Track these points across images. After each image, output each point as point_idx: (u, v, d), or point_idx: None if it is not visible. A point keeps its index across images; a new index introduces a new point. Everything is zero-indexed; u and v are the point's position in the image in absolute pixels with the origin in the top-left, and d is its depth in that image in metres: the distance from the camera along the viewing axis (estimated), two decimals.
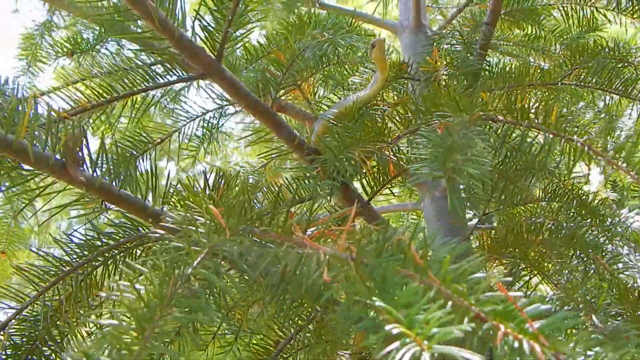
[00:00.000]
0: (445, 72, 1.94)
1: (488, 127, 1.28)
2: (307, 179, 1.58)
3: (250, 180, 2.45)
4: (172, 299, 0.79)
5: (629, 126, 2.51)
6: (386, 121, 1.64)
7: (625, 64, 1.95)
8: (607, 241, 1.85)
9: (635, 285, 1.74)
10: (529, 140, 1.23)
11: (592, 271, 1.77)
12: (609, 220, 1.94)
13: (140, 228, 1.36)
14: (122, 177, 1.24)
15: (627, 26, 2.29)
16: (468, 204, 1.93)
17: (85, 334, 1.43)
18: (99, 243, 1.35)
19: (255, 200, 1.13)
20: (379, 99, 1.83)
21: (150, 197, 1.28)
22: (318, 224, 0.96)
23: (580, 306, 1.42)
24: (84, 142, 1.18)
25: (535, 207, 2.00)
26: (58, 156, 1.15)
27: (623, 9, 2.20)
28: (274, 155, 2.00)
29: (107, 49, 1.93)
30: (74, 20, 2.46)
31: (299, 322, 1.50)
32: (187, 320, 0.80)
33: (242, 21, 1.45)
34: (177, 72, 1.55)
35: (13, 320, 1.37)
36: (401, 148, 1.67)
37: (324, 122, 1.70)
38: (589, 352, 0.70)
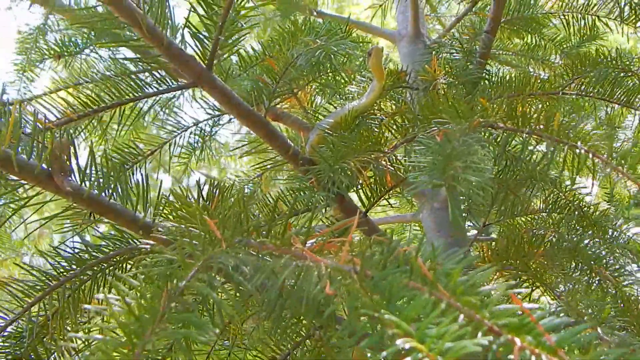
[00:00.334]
0: (444, 81, 1.90)
1: (488, 134, 1.24)
2: (301, 191, 1.54)
3: (246, 191, 2.42)
4: (165, 314, 0.75)
5: (629, 135, 2.48)
6: (383, 130, 1.60)
7: (628, 74, 1.90)
8: (609, 253, 1.80)
9: None
10: (530, 148, 1.19)
11: (595, 284, 1.73)
12: (610, 231, 1.90)
13: (130, 241, 1.32)
14: (111, 188, 1.20)
15: (628, 36, 2.25)
16: (468, 214, 1.89)
17: (72, 351, 1.38)
18: (87, 256, 1.31)
19: (251, 211, 1.09)
20: (376, 108, 1.79)
21: (141, 209, 1.24)
22: (318, 235, 0.91)
23: (585, 318, 1.38)
24: (72, 150, 1.14)
25: (535, 218, 1.96)
26: (45, 165, 1.11)
27: (625, 18, 2.16)
28: (268, 167, 1.95)
29: (97, 52, 1.89)
30: (67, 25, 2.42)
31: (296, 338, 1.45)
32: (181, 336, 0.75)
33: (234, 28, 1.41)
34: (167, 81, 1.50)
35: None
36: (398, 158, 1.63)
37: (319, 132, 1.66)
38: None
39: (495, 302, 0.69)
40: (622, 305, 1.61)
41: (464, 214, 1.82)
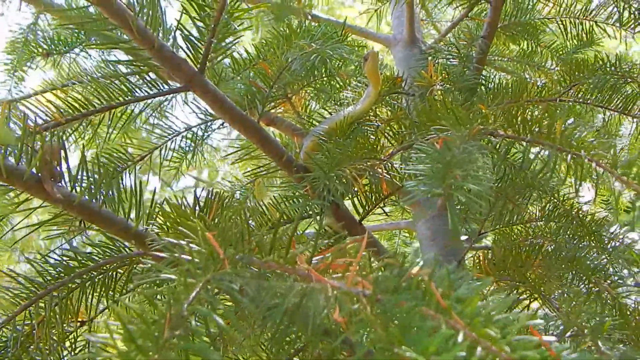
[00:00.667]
0: (440, 87, 1.87)
1: (488, 142, 1.20)
2: (295, 198, 1.50)
3: (237, 196, 2.38)
4: (167, 341, 0.70)
5: (625, 143, 2.46)
6: (379, 137, 1.57)
7: (628, 80, 1.88)
8: (608, 264, 1.77)
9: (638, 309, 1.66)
10: (530, 156, 1.15)
11: (593, 295, 1.69)
12: (607, 240, 1.88)
13: (121, 249, 1.28)
14: (103, 195, 1.16)
15: (626, 41, 2.23)
16: (464, 223, 1.86)
17: None
18: (75, 264, 1.27)
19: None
20: (371, 114, 1.76)
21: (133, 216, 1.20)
22: (324, 253, 0.87)
23: (585, 331, 1.34)
24: (62, 155, 1.10)
25: (532, 226, 1.93)
26: (34, 171, 1.08)
27: (624, 23, 2.14)
28: (263, 172, 1.90)
29: (86, 52, 1.85)
30: (57, 24, 2.38)
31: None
32: None
33: (227, 31, 1.37)
34: (158, 85, 1.46)
35: None
36: (394, 165, 1.60)
37: (313, 139, 1.63)
38: None
39: (514, 334, 0.66)
40: (617, 315, 1.58)
41: (461, 223, 1.79)
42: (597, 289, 1.69)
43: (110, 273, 1.30)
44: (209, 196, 1.12)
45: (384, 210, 1.71)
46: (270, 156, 1.60)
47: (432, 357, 0.62)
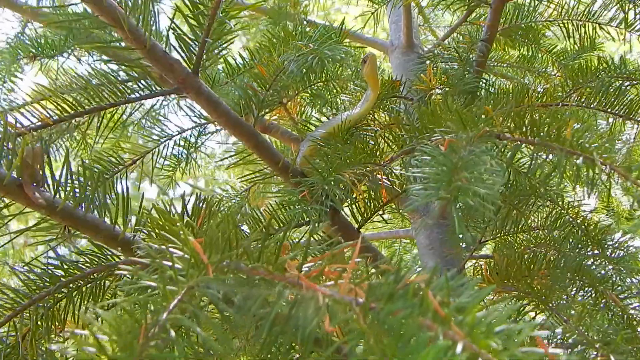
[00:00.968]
0: (439, 92, 1.83)
1: (494, 145, 1.15)
2: (292, 205, 1.45)
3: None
4: (143, 352, 0.65)
5: (627, 146, 2.42)
6: (378, 142, 1.52)
7: (634, 83, 1.83)
8: (614, 274, 1.72)
9: None
10: (539, 160, 1.10)
11: (601, 306, 1.64)
12: (611, 249, 1.83)
13: (110, 257, 1.23)
14: (88, 200, 1.10)
15: (630, 44, 2.18)
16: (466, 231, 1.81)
17: None
18: (62, 273, 1.21)
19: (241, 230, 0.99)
20: (370, 119, 1.71)
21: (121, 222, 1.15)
22: (315, 260, 0.82)
23: (597, 345, 1.29)
24: (45, 159, 1.05)
25: (535, 235, 1.88)
26: (15, 174, 1.02)
27: (630, 24, 2.09)
28: (261, 178, 1.84)
29: (75, 55, 1.79)
30: (44, 30, 2.32)
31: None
32: None
33: (222, 30, 1.32)
34: (150, 86, 1.41)
35: None
36: (394, 171, 1.55)
37: (310, 144, 1.58)
38: None
39: (517, 345, 0.61)
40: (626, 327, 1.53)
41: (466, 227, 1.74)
42: (604, 300, 1.63)
43: (98, 282, 1.24)
44: (197, 202, 1.06)
45: (382, 217, 1.66)
46: (266, 161, 1.55)
47: None
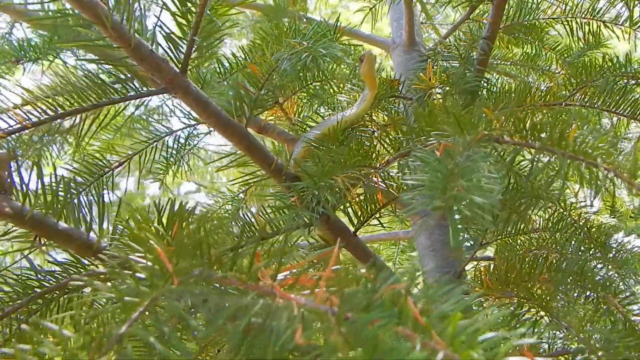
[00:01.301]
0: (440, 91, 1.78)
1: (493, 149, 1.09)
2: (282, 209, 1.40)
3: (228, 208, 2.28)
4: None
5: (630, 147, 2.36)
6: (374, 144, 1.47)
7: (639, 81, 1.77)
8: (618, 279, 1.67)
9: None
10: (539, 165, 1.04)
11: (602, 311, 1.59)
12: (614, 251, 1.77)
13: (88, 266, 1.17)
14: (60, 208, 1.05)
15: (635, 43, 2.12)
16: (465, 233, 1.76)
17: None
18: (35, 283, 1.15)
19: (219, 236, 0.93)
20: (367, 119, 1.66)
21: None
22: (291, 268, 0.77)
23: (600, 354, 1.24)
24: (13, 165, 0.99)
25: (536, 237, 1.83)
26: None
27: (635, 22, 2.03)
28: (255, 180, 1.78)
29: (60, 59, 1.73)
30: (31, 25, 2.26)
31: None
32: None
33: (210, 28, 1.27)
34: (136, 87, 1.35)
35: None
36: (391, 174, 1.49)
37: (304, 145, 1.53)
38: None
39: (501, 356, 0.56)
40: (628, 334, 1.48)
41: (462, 234, 1.69)
42: (607, 305, 1.58)
43: (75, 292, 1.19)
44: (173, 208, 1.00)
45: (379, 221, 1.61)
46: (259, 164, 1.49)
47: None
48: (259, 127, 1.93)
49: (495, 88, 1.85)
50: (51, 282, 1.16)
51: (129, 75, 1.31)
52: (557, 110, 1.63)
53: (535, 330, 1.53)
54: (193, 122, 1.72)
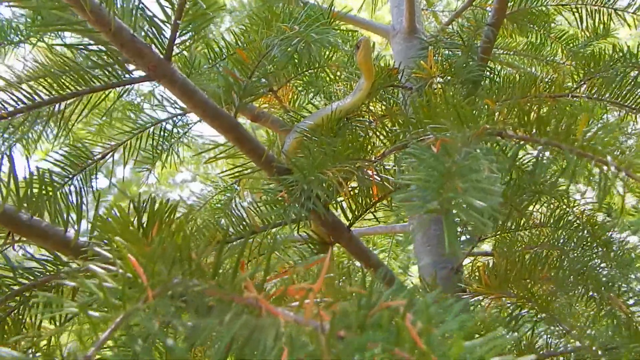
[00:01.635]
0: (441, 80, 1.71)
1: (495, 144, 1.01)
2: (270, 204, 1.33)
3: (223, 198, 2.22)
4: None
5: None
6: (370, 135, 1.40)
7: None
8: (622, 278, 1.60)
9: None
10: (544, 161, 0.97)
11: (605, 312, 1.52)
12: (616, 249, 1.70)
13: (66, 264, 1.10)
14: (34, 203, 0.98)
15: None
16: (463, 229, 1.70)
17: None
18: (11, 281, 1.09)
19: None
20: (363, 109, 1.58)
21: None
22: (281, 275, 0.70)
23: None
24: None
25: (537, 233, 1.76)
26: None
27: None
28: (247, 173, 1.70)
29: (44, 41, 1.64)
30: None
31: None
32: None
33: (195, 11, 1.19)
34: (118, 74, 1.28)
35: None
36: (386, 167, 1.42)
37: (297, 136, 1.46)
38: None
39: None
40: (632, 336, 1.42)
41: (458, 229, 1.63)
42: (610, 306, 1.51)
43: (55, 289, 1.12)
44: (154, 206, 0.92)
45: (374, 215, 1.54)
46: (249, 155, 1.42)
47: None
48: (253, 115, 1.87)
49: (498, 78, 1.78)
50: (29, 279, 1.10)
51: (110, 61, 1.24)
52: (563, 102, 1.56)
53: (535, 332, 1.47)
54: (179, 111, 1.64)
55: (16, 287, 1.09)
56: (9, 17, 1.77)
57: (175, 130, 1.69)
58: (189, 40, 1.26)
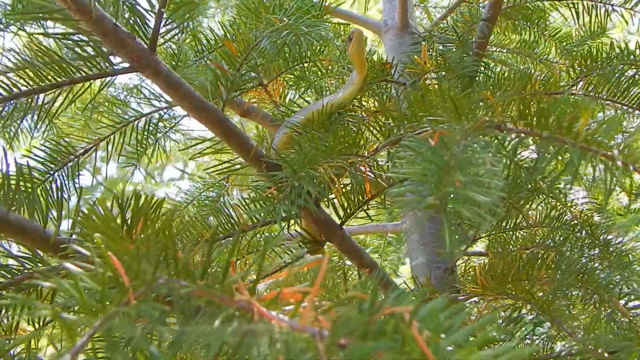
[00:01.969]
0: (435, 75, 1.67)
1: (494, 138, 0.97)
2: (258, 202, 1.28)
3: (213, 195, 2.18)
4: None
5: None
6: (362, 130, 1.35)
7: None
8: (622, 280, 1.56)
9: None
10: (547, 156, 0.92)
11: (605, 315, 1.49)
12: (615, 249, 1.67)
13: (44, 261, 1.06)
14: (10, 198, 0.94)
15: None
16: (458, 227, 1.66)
17: None
18: None
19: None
20: (355, 104, 1.54)
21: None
22: (275, 277, 0.65)
23: None
24: None
25: (533, 233, 1.73)
26: None
27: None
28: (234, 169, 1.65)
29: (24, 29, 1.58)
30: None
31: None
32: None
33: (181, 0, 1.15)
34: (100, 65, 1.23)
35: None
36: (380, 163, 1.38)
37: (287, 131, 1.41)
38: None
39: None
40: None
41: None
42: (610, 309, 1.48)
43: (33, 289, 1.08)
44: (138, 202, 0.87)
45: (367, 213, 1.50)
46: (237, 151, 1.38)
47: None
48: (242, 110, 1.82)
49: (492, 74, 1.74)
50: (6, 277, 1.06)
51: (91, 52, 1.19)
52: (560, 99, 1.52)
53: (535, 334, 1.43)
54: (164, 105, 1.59)
55: None
56: None
57: (160, 124, 1.63)
58: (175, 31, 1.21)
